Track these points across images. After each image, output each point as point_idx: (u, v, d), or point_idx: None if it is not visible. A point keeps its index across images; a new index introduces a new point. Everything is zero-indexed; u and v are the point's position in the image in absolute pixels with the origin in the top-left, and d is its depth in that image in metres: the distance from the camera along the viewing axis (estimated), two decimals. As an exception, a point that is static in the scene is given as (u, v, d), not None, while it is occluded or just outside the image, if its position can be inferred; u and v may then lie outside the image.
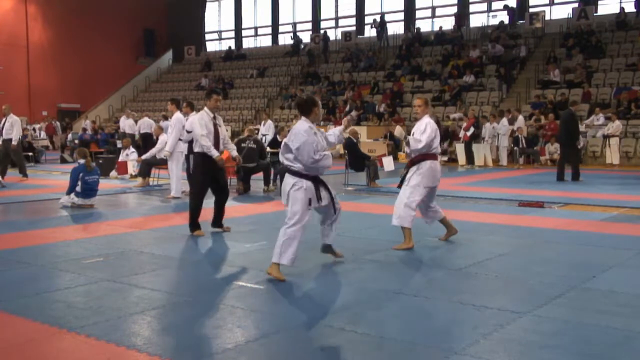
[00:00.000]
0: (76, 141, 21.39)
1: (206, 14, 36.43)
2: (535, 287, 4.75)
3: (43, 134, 24.51)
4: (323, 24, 32.17)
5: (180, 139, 9.84)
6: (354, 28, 30.70)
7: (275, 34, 34.24)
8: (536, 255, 5.87)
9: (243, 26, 35.59)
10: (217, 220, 7.12)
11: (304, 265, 5.49)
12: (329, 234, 5.55)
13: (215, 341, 3.64)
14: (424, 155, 6.19)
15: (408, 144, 6.28)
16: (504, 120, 17.65)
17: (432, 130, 6.15)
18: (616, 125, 16.68)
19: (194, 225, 6.95)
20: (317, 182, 5.15)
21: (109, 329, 3.78)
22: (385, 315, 4.17)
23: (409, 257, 5.66)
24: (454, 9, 28.18)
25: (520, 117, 18.09)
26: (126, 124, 18.67)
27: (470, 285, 4.90)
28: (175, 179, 10.35)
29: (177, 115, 10.14)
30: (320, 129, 5.36)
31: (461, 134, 18.17)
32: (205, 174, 6.88)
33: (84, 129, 23.90)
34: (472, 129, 17.09)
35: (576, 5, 24.69)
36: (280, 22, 34.04)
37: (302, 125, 5.09)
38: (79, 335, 3.67)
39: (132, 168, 13.95)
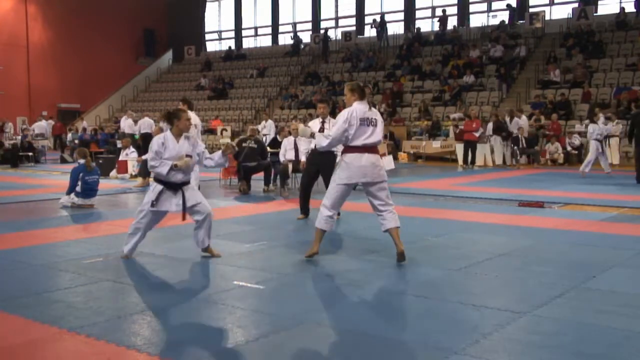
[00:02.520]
0: (76, 141, 21.38)
1: (206, 14, 36.41)
2: (535, 287, 4.75)
3: (48, 134, 24.20)
4: (323, 24, 32.17)
5: None
6: (354, 28, 30.69)
7: (275, 34, 34.23)
8: (536, 255, 5.86)
9: (243, 26, 35.58)
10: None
11: (303, 265, 5.50)
12: (196, 238, 5.70)
13: (215, 341, 3.64)
14: (345, 148, 5.46)
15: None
16: (517, 120, 17.64)
17: (344, 121, 5.30)
18: (616, 126, 16.66)
19: (301, 209, 8.13)
20: (173, 189, 5.53)
21: (109, 329, 3.78)
22: (385, 315, 4.17)
23: (409, 257, 5.65)
24: (454, 9, 28.18)
25: (523, 117, 18.09)
26: (126, 124, 18.68)
27: (470, 285, 4.90)
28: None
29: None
30: (200, 146, 5.67)
31: (457, 130, 18.32)
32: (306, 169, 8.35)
33: (84, 129, 23.88)
34: (480, 130, 17.12)
35: (576, 5, 24.70)
36: (280, 22, 34.03)
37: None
38: (79, 335, 3.67)
39: (132, 168, 13.96)
